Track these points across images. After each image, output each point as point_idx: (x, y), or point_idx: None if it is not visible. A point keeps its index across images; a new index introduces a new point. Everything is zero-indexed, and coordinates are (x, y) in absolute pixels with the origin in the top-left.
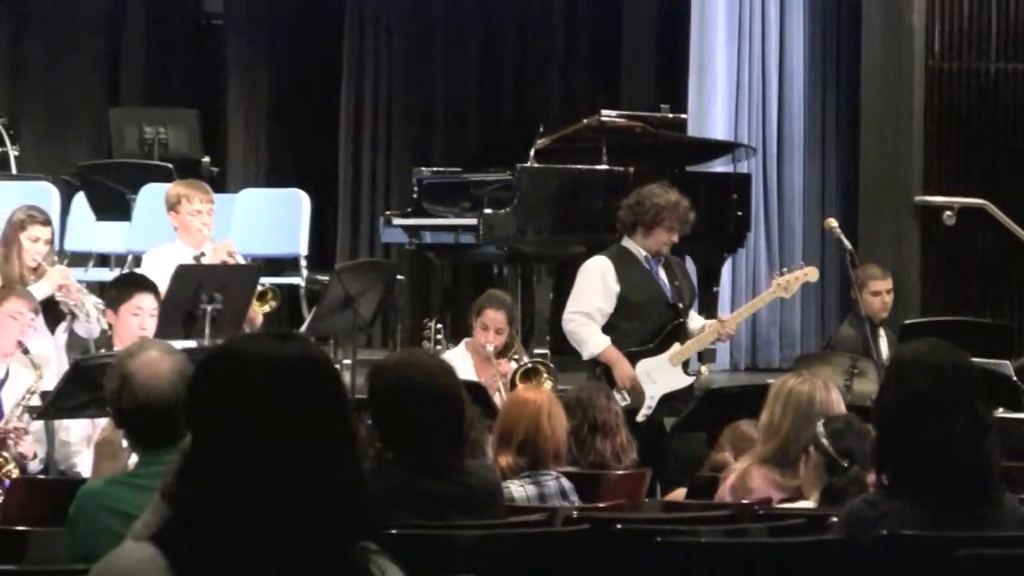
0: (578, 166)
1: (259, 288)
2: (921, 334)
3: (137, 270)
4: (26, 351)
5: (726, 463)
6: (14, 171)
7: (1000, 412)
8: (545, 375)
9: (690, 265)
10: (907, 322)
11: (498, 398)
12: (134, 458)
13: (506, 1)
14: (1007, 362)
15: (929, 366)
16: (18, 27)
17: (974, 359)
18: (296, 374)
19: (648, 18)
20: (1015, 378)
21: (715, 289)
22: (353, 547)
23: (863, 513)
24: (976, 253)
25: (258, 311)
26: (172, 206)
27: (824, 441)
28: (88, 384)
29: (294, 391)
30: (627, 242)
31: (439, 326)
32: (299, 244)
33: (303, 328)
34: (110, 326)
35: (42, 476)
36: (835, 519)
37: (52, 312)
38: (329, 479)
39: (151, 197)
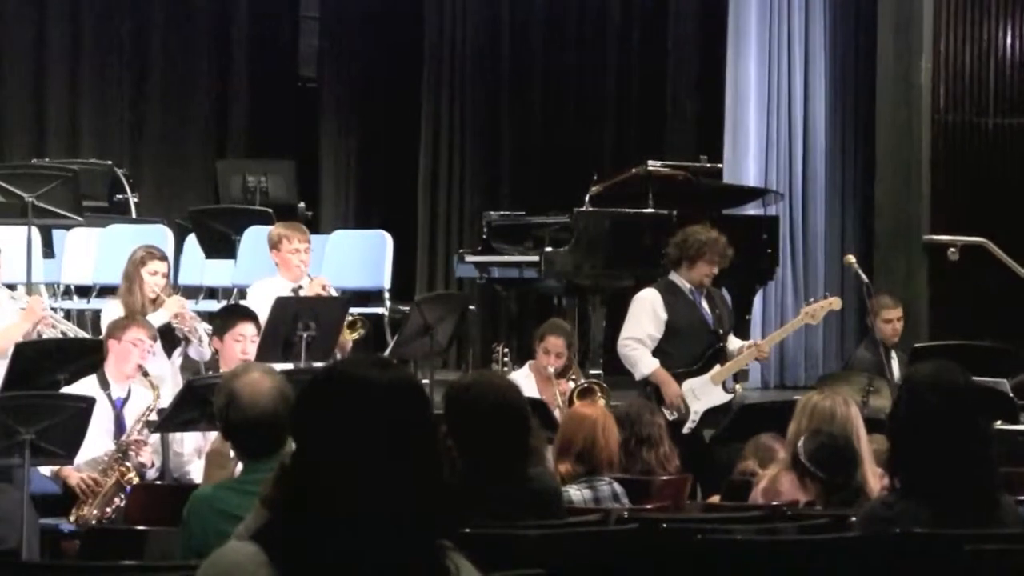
0: (627, 209)
1: (349, 318)
2: (930, 356)
3: (242, 302)
4: (145, 373)
5: (750, 471)
6: (134, 215)
7: (999, 424)
8: (599, 393)
9: (727, 295)
10: (917, 345)
11: (557, 413)
12: (239, 466)
13: (567, 67)
14: (1005, 380)
15: (937, 384)
16: (139, 90)
17: (976, 378)
18: (393, 396)
19: (688, 80)
20: (1011, 395)
21: (748, 317)
22: (432, 545)
23: (879, 513)
24: (977, 285)
25: (348, 338)
26: (274, 245)
27: (803, 459)
28: (199, 402)
29: (390, 411)
30: (673, 275)
31: (506, 350)
32: (383, 278)
33: (387, 352)
34: (216, 351)
35: (159, 482)
36: (854, 519)
37: (169, 338)
38: (415, 486)
39: (253, 238)
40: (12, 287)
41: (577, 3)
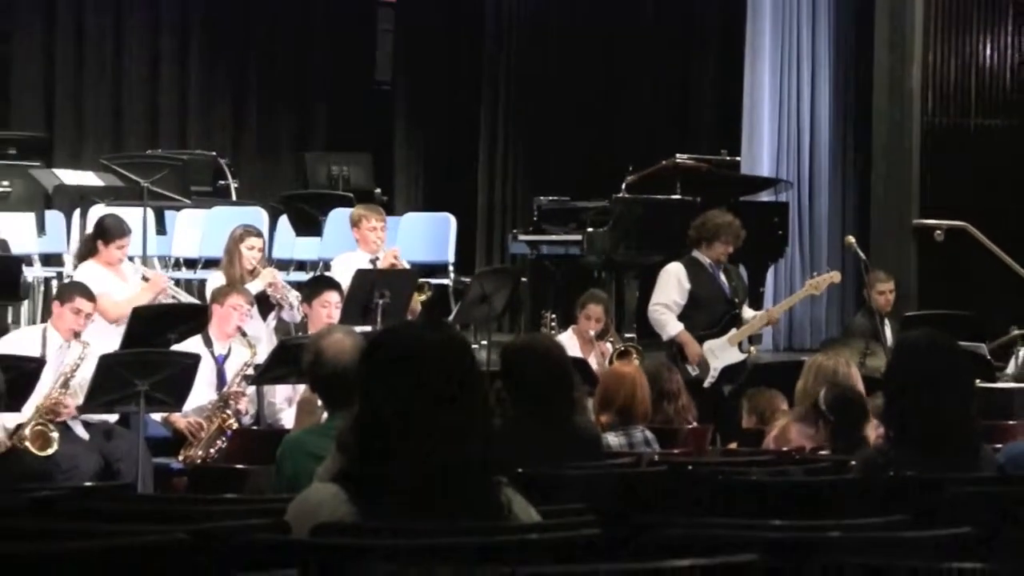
0: (658, 196)
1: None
2: (919, 324)
3: (327, 273)
4: (244, 334)
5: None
6: (234, 199)
7: (979, 383)
8: (634, 355)
9: (742, 270)
10: (908, 314)
11: (596, 370)
12: (325, 414)
13: (605, 72)
14: (983, 345)
15: (926, 348)
16: (239, 90)
17: (959, 343)
18: (442, 353)
19: (711, 84)
20: (989, 357)
21: (761, 289)
22: (489, 481)
23: (875, 459)
24: (960, 263)
25: (417, 301)
26: (355, 223)
27: (823, 407)
28: (290, 358)
29: (440, 365)
30: (695, 253)
31: (552, 316)
32: (448, 254)
33: (450, 318)
34: (305, 316)
35: (255, 428)
36: (853, 463)
37: (264, 303)
38: (466, 430)
39: (336, 218)
40: (131, 259)
41: (614, 18)
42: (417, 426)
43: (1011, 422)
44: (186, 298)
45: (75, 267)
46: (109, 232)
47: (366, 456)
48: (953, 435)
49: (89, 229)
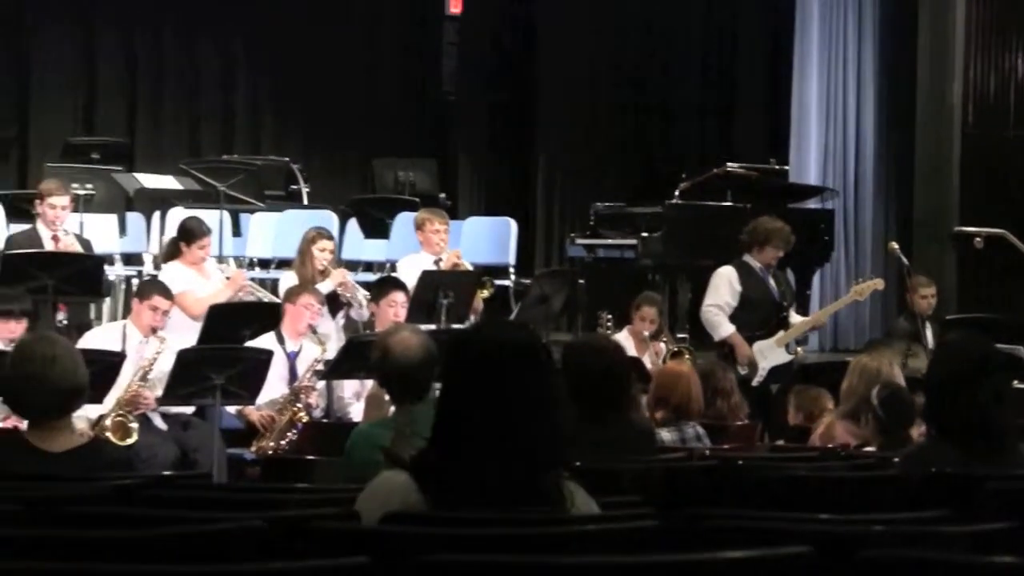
0: (709, 203)
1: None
2: (959, 326)
3: (393, 274)
4: (315, 331)
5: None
6: (306, 203)
7: (1016, 384)
8: (687, 355)
9: (790, 274)
10: (948, 317)
11: (650, 369)
12: (392, 408)
13: (659, 85)
14: (1021, 347)
15: (965, 350)
16: (311, 100)
17: (997, 345)
18: (522, 353)
19: (759, 94)
20: None
21: (808, 292)
22: (551, 473)
23: (917, 455)
24: (998, 268)
25: (480, 299)
26: (419, 226)
27: (875, 404)
28: (358, 355)
29: (520, 365)
30: (747, 257)
31: (608, 317)
32: (509, 256)
33: (511, 317)
34: (372, 314)
35: (324, 421)
36: (896, 459)
37: (334, 302)
38: (538, 426)
39: (403, 222)
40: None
41: (666, 36)
42: (493, 421)
43: None
44: (266, 295)
45: (160, 268)
46: (191, 233)
47: (441, 447)
48: (991, 434)
49: (168, 231)
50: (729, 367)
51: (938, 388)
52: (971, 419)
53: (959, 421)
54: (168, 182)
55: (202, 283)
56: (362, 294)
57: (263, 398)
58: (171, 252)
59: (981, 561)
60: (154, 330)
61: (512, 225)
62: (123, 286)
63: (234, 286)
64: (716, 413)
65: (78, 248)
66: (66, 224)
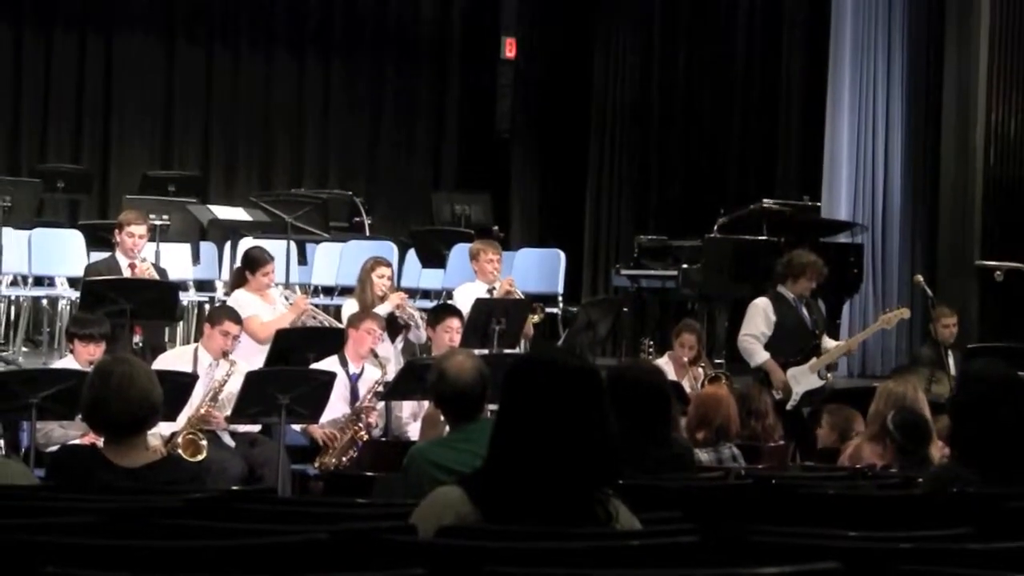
0: (746, 237)
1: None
2: (982, 355)
3: (449, 301)
4: (375, 355)
5: (829, 441)
6: (368, 233)
7: None
8: (724, 380)
9: (822, 304)
10: (971, 345)
11: (689, 393)
12: (447, 428)
13: (700, 126)
14: None
15: (989, 377)
16: (374, 139)
17: (1019, 372)
18: (578, 378)
19: (793, 135)
20: None
21: (838, 321)
22: (600, 492)
23: (941, 476)
24: (1017, 299)
25: (531, 324)
26: (474, 256)
27: (891, 428)
28: (416, 377)
29: (575, 389)
30: (781, 288)
31: (650, 343)
32: (558, 285)
33: (559, 342)
34: (429, 339)
35: (383, 439)
36: (920, 480)
37: (392, 327)
38: (590, 445)
39: (459, 252)
40: (276, 285)
41: (710, 77)
42: (548, 441)
43: None
44: (327, 320)
45: (228, 295)
46: (255, 262)
47: (496, 464)
48: (1013, 456)
49: (238, 260)
50: (766, 390)
51: (963, 412)
52: (993, 442)
53: (982, 443)
54: (239, 214)
55: (266, 309)
56: (418, 314)
57: (326, 417)
58: (237, 280)
59: None
60: (224, 353)
61: (561, 256)
62: (195, 311)
63: (296, 311)
64: (751, 433)
65: (154, 275)
66: (143, 252)
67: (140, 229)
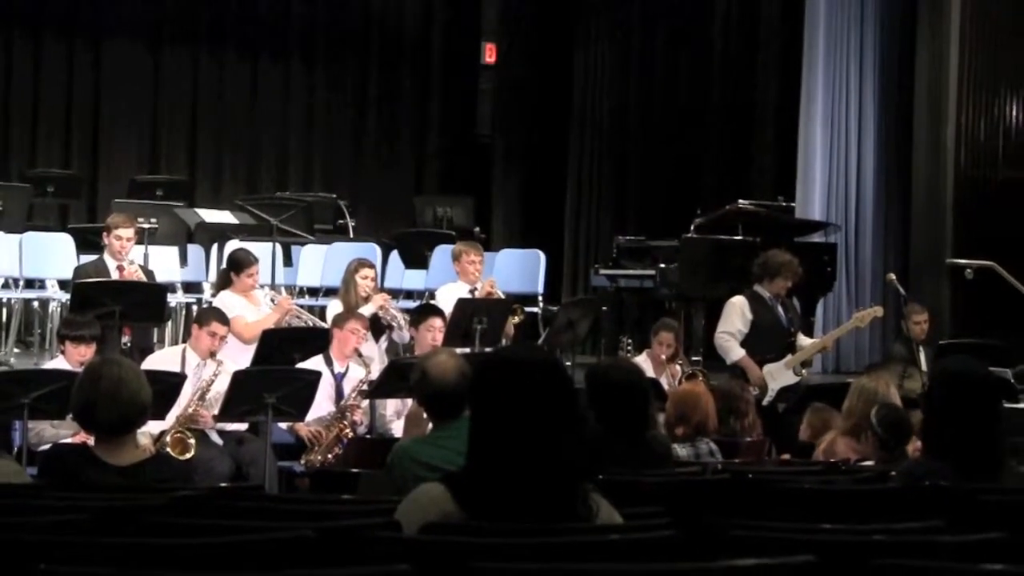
0: (722, 237)
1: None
2: (953, 351)
3: (432, 301)
4: (360, 354)
5: (806, 439)
6: (351, 236)
7: (1005, 404)
8: (701, 377)
9: (796, 303)
10: (942, 342)
11: (667, 389)
12: (430, 426)
13: (678, 129)
14: (1008, 370)
15: (960, 374)
16: (357, 144)
17: (989, 368)
18: (542, 373)
19: (770, 139)
20: (1013, 381)
21: (812, 319)
22: (578, 485)
23: (914, 470)
24: (987, 297)
25: (511, 324)
26: (456, 257)
27: (875, 423)
28: (399, 376)
29: (540, 384)
30: (757, 287)
31: (629, 341)
32: (538, 285)
33: (539, 341)
34: (412, 338)
35: (368, 436)
36: (894, 473)
37: (376, 327)
38: (561, 441)
39: (441, 254)
40: (261, 287)
41: (686, 81)
42: (520, 437)
43: None
44: (311, 320)
45: (214, 296)
46: (240, 264)
47: (475, 461)
48: (983, 450)
49: (224, 263)
50: (748, 388)
51: (935, 407)
52: (965, 436)
53: (954, 438)
54: (226, 217)
55: (251, 309)
56: (401, 315)
57: (312, 415)
58: (223, 281)
59: (974, 569)
60: (212, 354)
61: (541, 257)
62: (183, 312)
63: (280, 312)
64: (730, 430)
65: (142, 277)
66: (131, 255)
67: (127, 232)
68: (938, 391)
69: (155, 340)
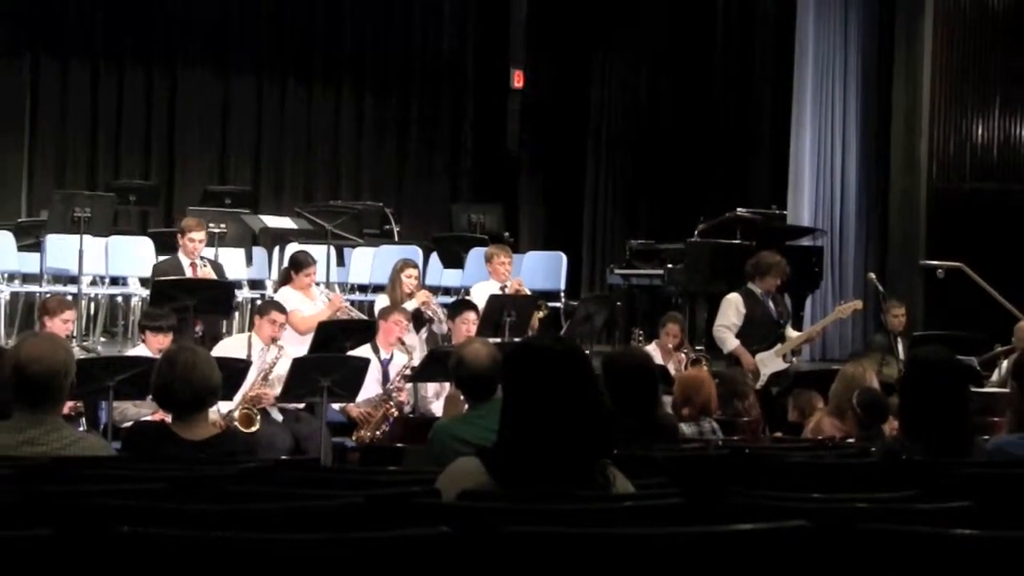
0: (722, 240)
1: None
2: (926, 342)
3: (467, 297)
4: (403, 343)
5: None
6: (396, 239)
7: (972, 388)
8: (703, 363)
9: (787, 299)
10: (916, 334)
11: (674, 375)
12: (466, 406)
13: (684, 143)
14: (974, 358)
15: (932, 361)
16: (402, 156)
17: (957, 357)
18: (565, 360)
19: (763, 152)
20: (978, 368)
21: (801, 313)
22: (596, 459)
23: (892, 446)
24: (957, 294)
25: (536, 318)
26: (488, 259)
27: (855, 404)
28: (439, 363)
29: (563, 370)
30: (750, 284)
31: (640, 332)
32: (560, 283)
33: (561, 333)
34: (449, 330)
35: (411, 416)
36: (874, 449)
37: (418, 321)
38: (582, 420)
39: (475, 255)
40: (317, 284)
41: (690, 103)
42: (545, 416)
43: (996, 419)
44: (357, 315)
45: (276, 291)
46: (299, 264)
47: (506, 437)
48: (953, 429)
49: (285, 262)
50: (748, 374)
51: (910, 392)
52: (937, 417)
53: (927, 419)
54: (286, 222)
55: (308, 304)
56: (440, 309)
57: (361, 397)
58: (284, 279)
59: (947, 534)
60: (273, 340)
61: (563, 258)
62: (248, 306)
63: (332, 308)
64: (733, 410)
65: (212, 274)
66: (201, 255)
67: (199, 235)
68: (913, 377)
69: (224, 330)
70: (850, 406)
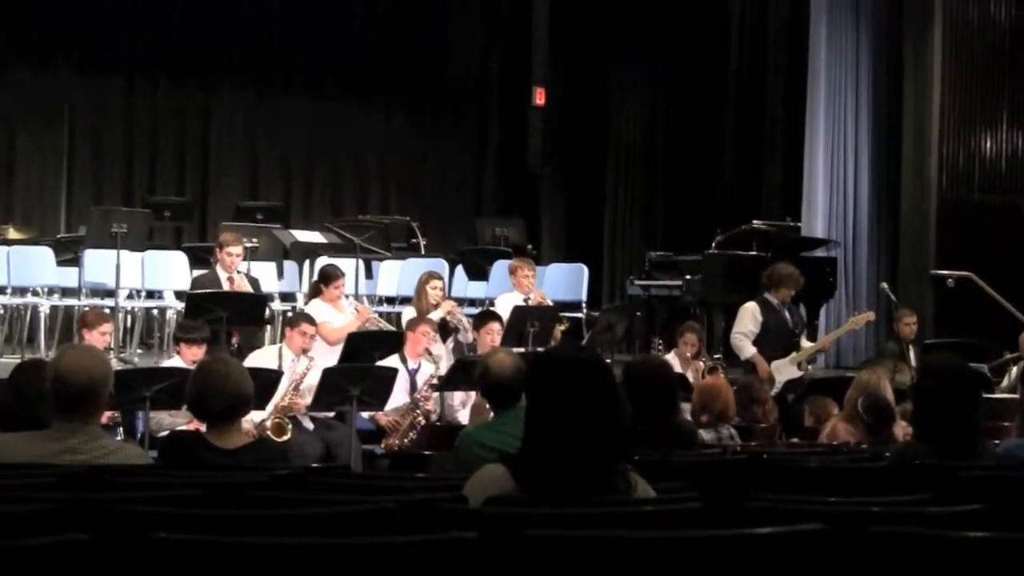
0: (739, 252)
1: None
2: (936, 349)
3: (491, 308)
4: (430, 353)
5: (811, 424)
6: (423, 252)
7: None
8: (720, 371)
9: (802, 308)
10: (928, 341)
11: (692, 382)
12: (491, 414)
13: (702, 158)
14: (984, 365)
15: (943, 368)
16: (429, 173)
17: (967, 364)
18: (586, 368)
19: (778, 166)
20: (988, 375)
21: (816, 323)
22: (618, 464)
23: (905, 451)
24: (966, 303)
25: (558, 330)
26: (512, 271)
27: (860, 410)
28: (464, 372)
29: (585, 378)
30: (766, 294)
31: (659, 341)
32: (581, 294)
33: (583, 342)
34: (475, 340)
35: (438, 423)
36: (887, 454)
37: (443, 331)
38: (604, 427)
39: (499, 268)
40: (346, 296)
41: (706, 118)
42: (568, 423)
43: (1005, 424)
44: (385, 326)
45: (306, 304)
46: (328, 276)
47: (530, 444)
48: (964, 434)
49: (315, 276)
50: (765, 381)
51: (922, 397)
52: (949, 422)
53: (938, 424)
54: (316, 237)
55: (338, 316)
56: (465, 320)
57: (390, 405)
58: (313, 292)
59: (959, 536)
60: (304, 351)
61: (584, 270)
62: (280, 318)
63: (361, 319)
64: (752, 417)
65: (248, 287)
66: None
67: (237, 249)
68: (925, 383)
69: (257, 341)
70: (856, 413)
